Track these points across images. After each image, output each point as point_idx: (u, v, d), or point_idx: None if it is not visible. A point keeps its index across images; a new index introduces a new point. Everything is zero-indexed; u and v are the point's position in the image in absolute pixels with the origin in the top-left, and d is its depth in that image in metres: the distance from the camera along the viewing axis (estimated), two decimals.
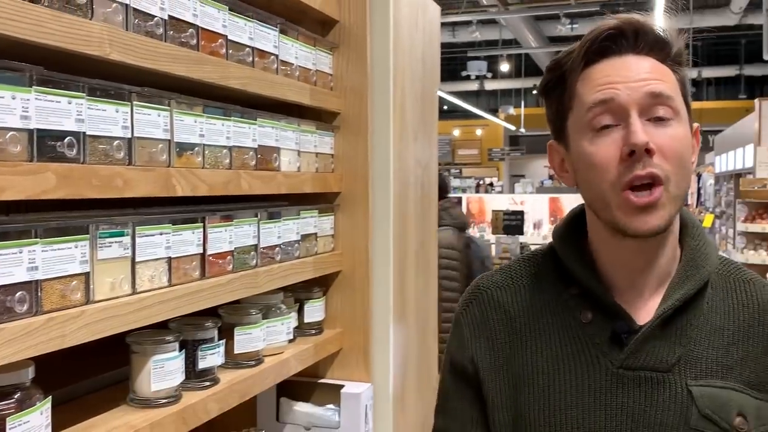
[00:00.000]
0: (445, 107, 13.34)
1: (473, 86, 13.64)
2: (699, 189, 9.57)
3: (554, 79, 0.76)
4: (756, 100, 6.53)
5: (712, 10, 9.35)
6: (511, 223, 5.98)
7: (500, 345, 0.79)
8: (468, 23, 9.93)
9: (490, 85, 13.94)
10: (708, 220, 7.08)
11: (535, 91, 15.52)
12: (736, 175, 6.94)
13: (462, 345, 0.82)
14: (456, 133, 15.45)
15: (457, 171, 14.75)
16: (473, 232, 7.29)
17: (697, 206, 9.24)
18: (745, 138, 6.74)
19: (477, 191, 11.60)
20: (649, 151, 0.68)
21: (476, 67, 11.19)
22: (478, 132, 15.53)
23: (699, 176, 9.58)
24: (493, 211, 6.59)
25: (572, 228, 0.81)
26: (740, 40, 12.19)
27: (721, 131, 8.89)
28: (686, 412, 0.70)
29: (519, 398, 0.76)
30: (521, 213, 6.23)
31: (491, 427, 0.79)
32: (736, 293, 0.76)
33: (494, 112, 14.25)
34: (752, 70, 13.10)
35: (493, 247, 5.80)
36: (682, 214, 0.77)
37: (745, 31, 11.08)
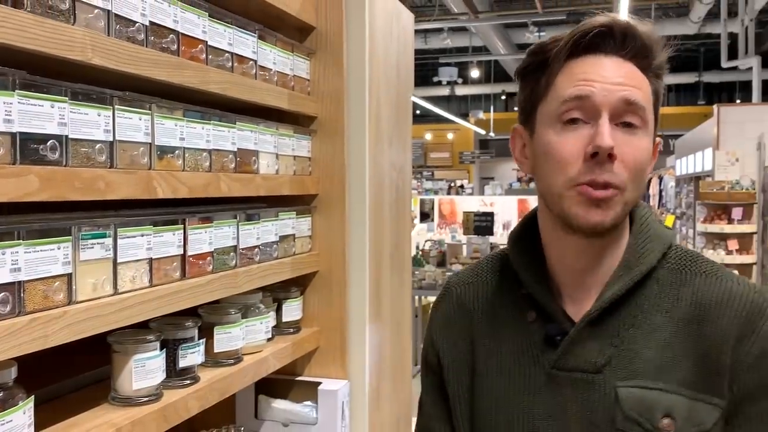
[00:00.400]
0: (418, 111, 13.44)
1: (444, 91, 13.80)
2: (660, 191, 9.89)
3: (535, 63, 0.74)
4: (714, 106, 6.81)
5: (672, 20, 9.71)
6: (482, 224, 6.08)
7: (461, 341, 0.81)
8: (439, 30, 10.05)
9: (461, 91, 14.12)
10: (669, 221, 7.32)
11: (504, 97, 15.78)
12: (696, 178, 7.20)
13: (432, 342, 0.85)
14: (428, 136, 15.59)
15: (429, 173, 14.88)
16: (444, 233, 7.37)
17: (658, 207, 9.54)
18: (704, 142, 7.01)
19: (448, 193, 11.73)
20: (611, 156, 0.68)
21: (447, 73, 11.32)
22: (450, 136, 15.71)
23: (660, 179, 9.91)
24: (464, 212, 6.68)
25: (527, 229, 0.81)
26: (699, 48, 12.65)
27: (681, 136, 9.22)
28: (612, 413, 0.70)
29: (475, 393, 0.78)
30: (491, 214, 6.33)
31: (454, 421, 0.81)
32: (683, 288, 0.73)
33: (465, 116, 14.45)
34: (711, 77, 13.61)
35: (464, 247, 5.89)
36: (633, 212, 0.76)
37: (703, 40, 11.52)
